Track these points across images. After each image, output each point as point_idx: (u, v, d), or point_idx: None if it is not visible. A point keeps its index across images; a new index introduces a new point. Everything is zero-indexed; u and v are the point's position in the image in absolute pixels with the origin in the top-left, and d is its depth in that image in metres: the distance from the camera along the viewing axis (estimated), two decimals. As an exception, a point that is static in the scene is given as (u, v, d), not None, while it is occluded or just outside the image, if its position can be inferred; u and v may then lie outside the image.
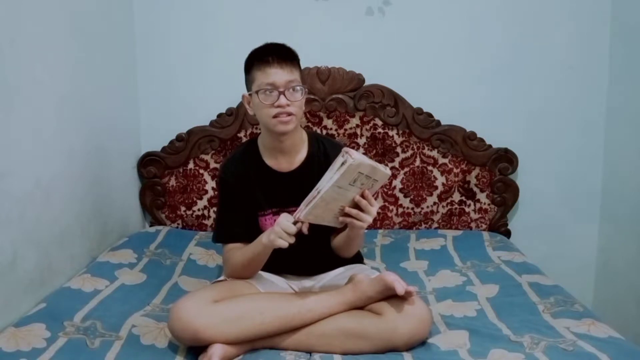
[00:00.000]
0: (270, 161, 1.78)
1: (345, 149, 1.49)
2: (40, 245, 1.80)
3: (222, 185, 1.82)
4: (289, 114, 1.66)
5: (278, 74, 1.65)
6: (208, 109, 2.55)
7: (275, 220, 1.76)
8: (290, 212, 1.75)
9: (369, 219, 1.58)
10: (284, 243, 1.56)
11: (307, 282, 1.83)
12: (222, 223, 1.81)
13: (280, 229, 1.56)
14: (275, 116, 1.66)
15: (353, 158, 1.46)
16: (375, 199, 1.63)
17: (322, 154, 1.79)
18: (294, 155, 1.78)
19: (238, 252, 1.74)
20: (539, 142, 2.61)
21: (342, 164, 1.47)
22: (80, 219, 2.06)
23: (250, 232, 1.75)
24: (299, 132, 1.78)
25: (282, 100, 1.65)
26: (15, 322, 1.59)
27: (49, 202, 1.85)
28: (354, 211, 1.57)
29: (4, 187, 1.62)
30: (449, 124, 2.55)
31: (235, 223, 1.76)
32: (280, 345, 1.57)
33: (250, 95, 1.73)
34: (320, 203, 1.52)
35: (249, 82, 1.74)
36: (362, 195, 1.57)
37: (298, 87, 1.68)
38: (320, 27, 2.52)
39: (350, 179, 1.51)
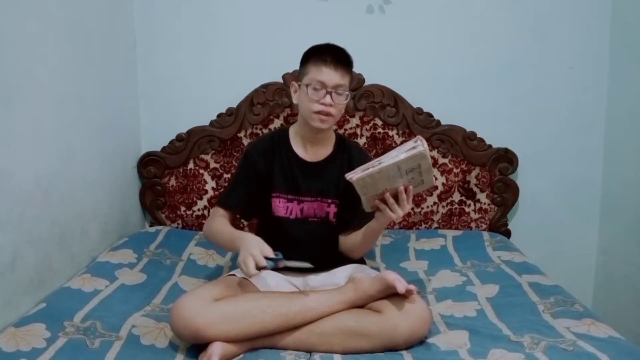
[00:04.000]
0: (297, 149, 1.89)
1: (419, 136, 1.59)
2: (40, 245, 1.80)
3: (244, 159, 1.92)
4: (328, 114, 1.77)
5: (330, 75, 1.75)
6: (208, 109, 2.55)
7: (288, 207, 1.86)
8: (303, 201, 1.85)
9: (400, 213, 1.65)
10: (247, 269, 1.57)
11: (310, 279, 1.84)
12: (227, 189, 1.93)
13: (250, 259, 1.57)
14: (317, 112, 1.76)
15: (424, 146, 1.55)
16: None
17: (346, 155, 1.90)
18: (321, 148, 1.89)
19: (218, 220, 1.85)
20: (539, 142, 2.62)
21: (413, 147, 1.55)
22: (80, 219, 2.05)
23: (245, 209, 1.92)
24: (330, 128, 1.88)
25: (327, 99, 1.76)
26: (15, 322, 1.59)
27: (49, 202, 1.85)
28: (391, 200, 1.64)
29: (4, 187, 1.62)
30: (449, 124, 2.55)
31: (237, 195, 1.88)
32: (280, 344, 1.57)
33: (299, 85, 1.82)
34: (376, 174, 1.58)
35: (301, 74, 1.83)
36: (405, 190, 1.63)
37: (345, 92, 1.78)
38: (320, 27, 2.51)
39: (409, 166, 1.58)
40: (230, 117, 2.54)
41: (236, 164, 2.39)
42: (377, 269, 2.07)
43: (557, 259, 2.58)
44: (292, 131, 1.92)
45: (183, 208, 2.59)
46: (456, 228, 2.59)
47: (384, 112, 2.54)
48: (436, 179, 2.56)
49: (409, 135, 2.55)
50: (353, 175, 1.60)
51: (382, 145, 2.55)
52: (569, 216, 2.66)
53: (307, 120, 1.80)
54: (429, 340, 1.59)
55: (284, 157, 1.88)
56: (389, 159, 1.57)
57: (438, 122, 2.55)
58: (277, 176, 1.86)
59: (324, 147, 1.90)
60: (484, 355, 1.49)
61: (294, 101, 1.86)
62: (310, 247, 1.84)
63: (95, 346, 1.52)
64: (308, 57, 1.81)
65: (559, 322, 1.66)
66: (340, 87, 1.77)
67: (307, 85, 1.77)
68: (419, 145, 1.55)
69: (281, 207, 1.86)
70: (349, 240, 1.85)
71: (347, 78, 1.80)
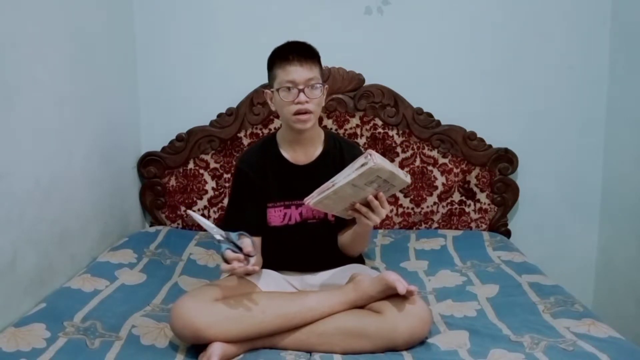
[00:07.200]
0: (287, 153, 1.84)
1: (369, 150, 1.54)
2: (40, 245, 1.80)
3: (237, 176, 1.87)
4: (308, 112, 1.72)
5: (298, 72, 1.71)
6: (208, 109, 2.55)
7: (286, 214, 1.82)
8: (301, 204, 1.80)
9: (376, 219, 1.63)
10: (234, 267, 1.55)
11: (308, 279, 1.84)
12: (230, 217, 1.85)
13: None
14: (295, 113, 1.72)
15: (374, 162, 1.50)
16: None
17: (337, 152, 1.86)
18: (310, 148, 1.85)
19: None
20: (539, 142, 2.61)
21: (363, 165, 1.51)
22: (80, 219, 2.05)
23: (255, 227, 1.77)
24: (316, 126, 1.84)
25: (302, 97, 1.71)
26: (15, 322, 1.59)
27: (49, 202, 1.85)
28: (363, 209, 1.62)
29: (4, 187, 1.62)
30: (449, 124, 2.55)
31: (242, 220, 1.78)
32: (280, 344, 1.57)
33: (272, 91, 1.79)
34: (332, 196, 1.57)
35: (271, 79, 1.79)
36: (376, 196, 1.61)
37: (317, 85, 1.74)
38: (320, 27, 2.52)
39: (367, 180, 1.55)
40: (230, 117, 2.55)
41: (235, 163, 2.38)
42: (377, 269, 2.07)
43: (557, 259, 2.58)
44: (279, 137, 1.87)
45: (183, 208, 2.59)
46: (456, 228, 2.59)
47: (384, 112, 2.54)
48: (437, 179, 2.56)
49: (409, 135, 2.55)
50: (310, 201, 1.59)
51: (382, 145, 2.55)
52: (569, 216, 2.66)
53: (289, 123, 1.76)
54: (429, 341, 1.59)
55: (275, 164, 1.83)
56: (342, 177, 1.54)
57: (438, 122, 2.55)
58: (271, 185, 1.82)
59: (313, 146, 1.85)
60: (484, 355, 1.49)
61: (272, 109, 1.83)
62: (310, 250, 1.84)
63: (95, 346, 1.52)
64: (273, 61, 1.76)
65: (559, 322, 1.66)
66: (311, 80, 1.72)
67: (278, 90, 1.73)
68: (369, 160, 1.51)
69: (277, 216, 1.82)
70: (344, 238, 1.84)
71: (317, 70, 1.75)
